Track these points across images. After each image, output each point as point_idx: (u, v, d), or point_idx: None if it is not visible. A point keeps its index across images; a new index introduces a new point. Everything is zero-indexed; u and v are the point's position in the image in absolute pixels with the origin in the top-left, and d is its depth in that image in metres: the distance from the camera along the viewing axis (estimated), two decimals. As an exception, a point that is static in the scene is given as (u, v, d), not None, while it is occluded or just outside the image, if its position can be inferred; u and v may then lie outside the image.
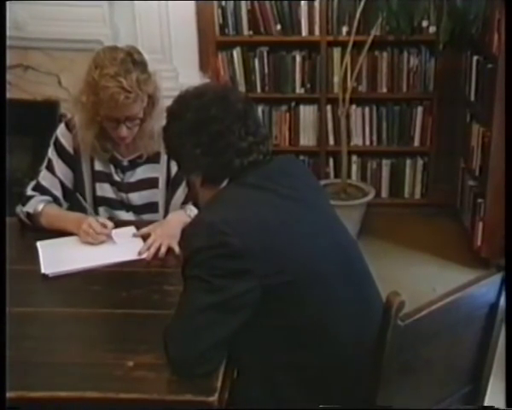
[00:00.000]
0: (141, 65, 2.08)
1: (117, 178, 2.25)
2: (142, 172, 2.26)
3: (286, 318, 1.50)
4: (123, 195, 2.26)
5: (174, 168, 2.25)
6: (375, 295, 1.65)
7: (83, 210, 2.24)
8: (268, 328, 1.51)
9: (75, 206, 2.25)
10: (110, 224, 2.08)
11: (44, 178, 2.22)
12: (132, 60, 2.05)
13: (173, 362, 1.48)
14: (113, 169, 2.25)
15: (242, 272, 1.44)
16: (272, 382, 1.54)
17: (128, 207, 2.28)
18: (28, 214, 2.15)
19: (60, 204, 2.23)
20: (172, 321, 1.51)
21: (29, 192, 2.21)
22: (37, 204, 2.15)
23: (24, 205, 2.16)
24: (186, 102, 1.61)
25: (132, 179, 2.26)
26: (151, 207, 2.29)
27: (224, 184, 1.59)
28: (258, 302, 1.45)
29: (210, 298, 1.44)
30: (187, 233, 1.57)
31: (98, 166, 2.24)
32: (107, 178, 2.25)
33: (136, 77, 2.03)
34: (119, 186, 2.26)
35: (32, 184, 2.23)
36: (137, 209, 2.28)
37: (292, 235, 1.52)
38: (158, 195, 2.28)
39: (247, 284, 1.44)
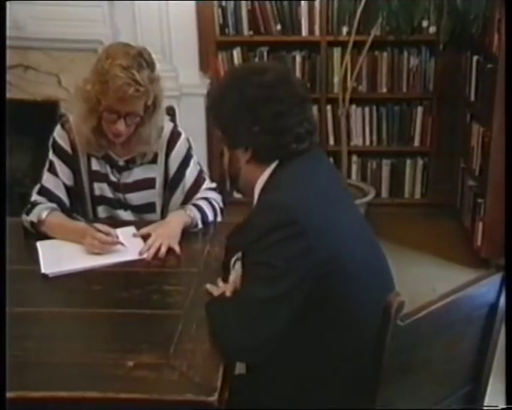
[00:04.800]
0: (151, 65, 2.09)
1: (113, 178, 2.25)
2: (139, 173, 2.25)
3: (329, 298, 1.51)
4: (120, 195, 2.26)
5: (172, 169, 2.25)
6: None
7: (85, 209, 2.24)
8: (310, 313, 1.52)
9: (78, 205, 2.26)
10: (113, 231, 2.03)
11: (47, 180, 2.21)
12: (144, 58, 2.06)
13: (228, 349, 1.51)
14: (109, 169, 2.24)
15: (307, 251, 1.45)
16: (304, 372, 1.55)
17: (126, 206, 2.28)
18: (32, 223, 2.12)
19: (64, 205, 2.22)
20: (232, 307, 1.54)
21: (34, 197, 2.19)
22: (40, 212, 2.12)
23: (28, 214, 2.13)
24: (244, 76, 1.60)
25: (129, 180, 2.25)
26: (149, 207, 2.29)
27: (272, 165, 1.59)
28: (312, 282, 1.47)
29: (273, 287, 1.46)
30: (253, 215, 1.56)
31: (95, 166, 2.24)
32: (104, 178, 2.24)
33: (148, 74, 2.05)
34: (115, 186, 2.25)
35: (36, 187, 2.22)
36: (135, 209, 2.28)
37: (339, 219, 1.55)
38: (155, 195, 2.28)
39: (310, 263, 1.46)
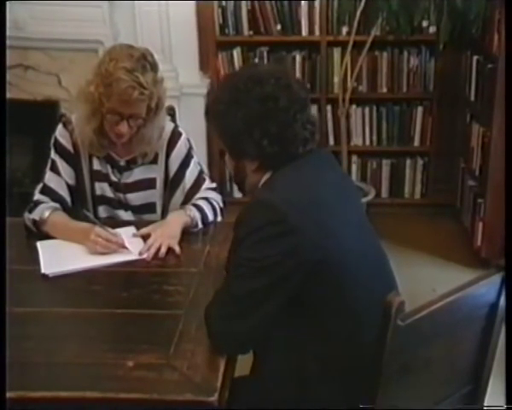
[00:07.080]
0: (155, 67, 2.09)
1: (114, 178, 2.25)
2: (139, 173, 2.25)
3: (322, 298, 1.53)
4: (120, 195, 2.26)
5: (172, 169, 2.25)
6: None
7: (86, 209, 2.24)
8: (300, 312, 1.53)
9: (79, 204, 2.26)
10: (119, 234, 2.04)
11: (50, 179, 2.21)
12: (147, 61, 2.06)
13: (216, 339, 1.55)
14: (110, 169, 2.24)
15: (294, 248, 1.47)
16: (302, 371, 1.56)
17: (126, 206, 2.28)
18: (34, 222, 2.12)
19: (67, 204, 2.22)
20: (219, 299, 1.56)
21: (36, 196, 2.19)
22: (43, 211, 2.11)
23: (30, 212, 2.14)
24: (246, 88, 1.57)
25: (130, 180, 2.25)
26: (149, 207, 2.29)
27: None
28: (300, 280, 1.49)
29: (259, 280, 1.48)
30: (244, 213, 1.57)
31: (96, 166, 2.24)
32: (104, 177, 2.25)
33: (152, 76, 2.05)
34: (116, 186, 2.25)
35: (39, 187, 2.22)
36: (135, 209, 2.28)
37: (335, 219, 1.54)
38: (155, 195, 2.28)
39: (297, 260, 1.47)
